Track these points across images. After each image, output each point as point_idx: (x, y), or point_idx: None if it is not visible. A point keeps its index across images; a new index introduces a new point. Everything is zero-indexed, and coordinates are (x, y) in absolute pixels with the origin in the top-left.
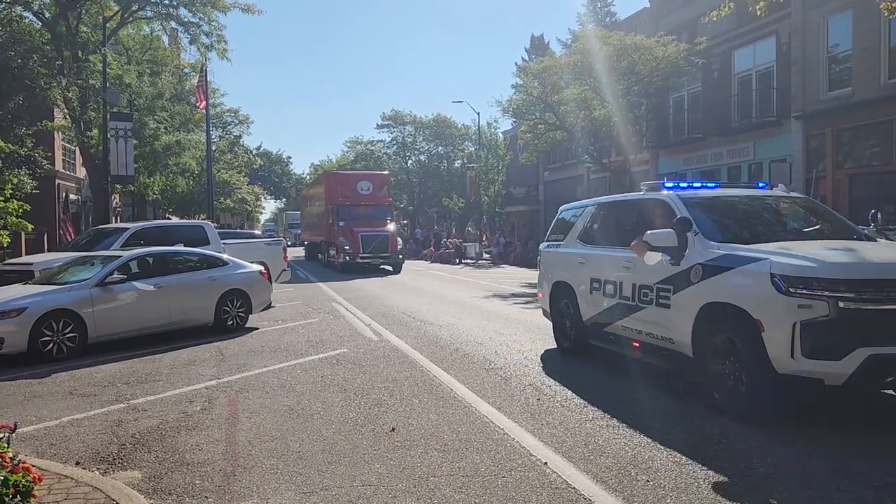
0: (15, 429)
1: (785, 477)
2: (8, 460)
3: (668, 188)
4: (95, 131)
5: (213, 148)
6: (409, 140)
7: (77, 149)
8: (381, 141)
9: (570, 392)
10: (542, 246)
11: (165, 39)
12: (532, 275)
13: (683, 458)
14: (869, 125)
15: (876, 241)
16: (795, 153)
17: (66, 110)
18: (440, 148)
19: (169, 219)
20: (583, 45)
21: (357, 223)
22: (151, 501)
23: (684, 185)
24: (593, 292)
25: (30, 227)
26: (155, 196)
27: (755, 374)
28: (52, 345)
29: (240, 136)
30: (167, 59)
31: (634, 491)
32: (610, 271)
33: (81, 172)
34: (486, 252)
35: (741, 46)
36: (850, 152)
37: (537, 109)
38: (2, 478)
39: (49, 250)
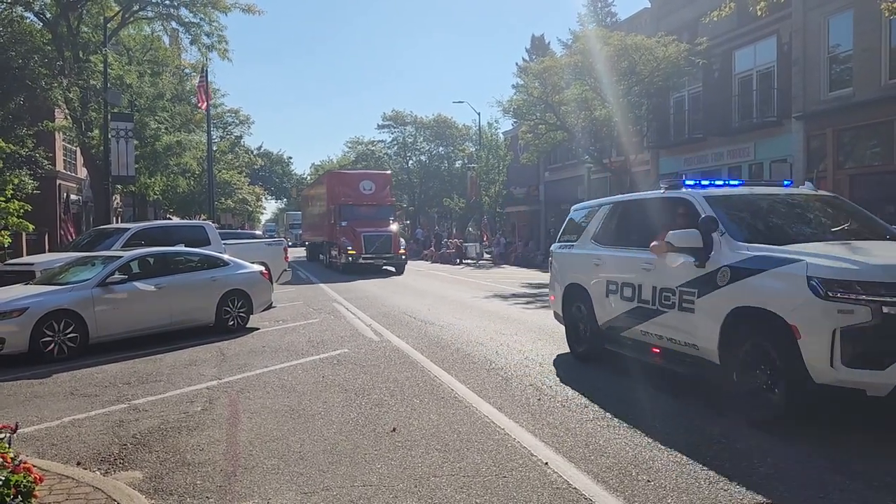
0: (16, 429)
1: (785, 477)
2: (9, 461)
3: (690, 186)
4: (96, 132)
5: (214, 148)
6: (409, 140)
7: (78, 149)
8: (382, 141)
9: (570, 392)
10: (553, 247)
11: (166, 40)
12: (532, 275)
13: (684, 458)
14: (870, 125)
15: None
16: (796, 153)
17: (66, 111)
18: (441, 148)
19: (170, 219)
20: (583, 45)
21: (359, 223)
22: (152, 502)
23: (706, 182)
24: (609, 295)
25: (31, 227)
26: (156, 196)
27: (790, 384)
28: (53, 345)
29: (240, 137)
30: (168, 59)
31: (635, 491)
32: (628, 273)
33: (82, 173)
34: (486, 252)
35: (742, 47)
36: (850, 152)
37: (538, 110)
38: (3, 478)
39: (50, 250)
